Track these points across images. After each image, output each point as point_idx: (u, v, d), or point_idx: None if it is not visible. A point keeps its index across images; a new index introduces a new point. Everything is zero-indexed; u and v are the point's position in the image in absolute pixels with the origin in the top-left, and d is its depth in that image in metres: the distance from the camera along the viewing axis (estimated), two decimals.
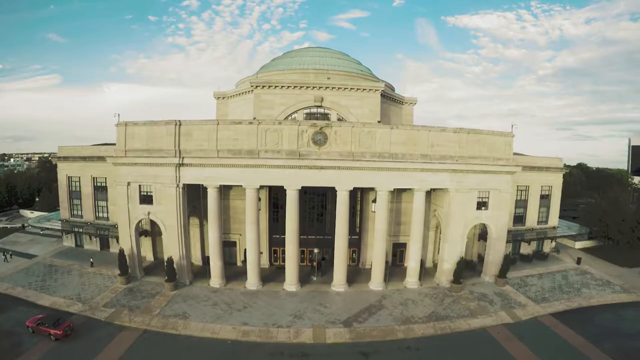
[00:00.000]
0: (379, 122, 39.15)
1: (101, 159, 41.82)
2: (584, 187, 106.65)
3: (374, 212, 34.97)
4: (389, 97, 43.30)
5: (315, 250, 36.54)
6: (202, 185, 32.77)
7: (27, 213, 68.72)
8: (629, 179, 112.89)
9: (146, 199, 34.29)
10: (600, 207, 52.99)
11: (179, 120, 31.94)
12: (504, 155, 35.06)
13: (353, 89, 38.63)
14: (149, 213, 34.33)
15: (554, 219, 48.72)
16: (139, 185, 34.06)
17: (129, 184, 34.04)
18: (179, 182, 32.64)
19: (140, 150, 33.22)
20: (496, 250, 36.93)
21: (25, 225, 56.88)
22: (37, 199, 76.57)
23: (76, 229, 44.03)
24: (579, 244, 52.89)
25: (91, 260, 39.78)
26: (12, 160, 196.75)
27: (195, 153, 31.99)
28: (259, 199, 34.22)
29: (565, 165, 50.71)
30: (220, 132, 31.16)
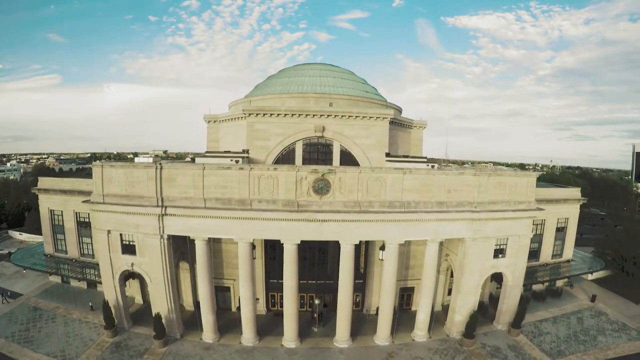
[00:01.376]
0: (387, 154, 34.55)
1: (83, 193, 37.59)
2: (589, 196, 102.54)
3: (382, 260, 30.70)
4: (397, 122, 38.47)
5: (317, 302, 32.37)
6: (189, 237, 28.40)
7: (15, 234, 64.54)
8: (634, 188, 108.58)
9: (129, 248, 30.10)
10: (615, 238, 49.08)
11: (160, 164, 27.43)
12: (526, 198, 30.65)
13: (358, 117, 33.81)
14: (132, 264, 30.17)
15: (568, 252, 44.69)
16: (120, 234, 29.75)
17: (109, 231, 29.74)
18: (163, 232, 28.31)
19: (119, 195, 28.80)
20: (511, 298, 32.97)
21: (12, 252, 52.75)
22: (27, 215, 71.97)
23: (62, 268, 40.01)
24: (592, 274, 48.85)
25: (90, 304, 36.23)
26: (8, 164, 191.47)
27: (180, 201, 27.56)
28: (254, 247, 29.88)
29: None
30: (207, 179, 26.66)
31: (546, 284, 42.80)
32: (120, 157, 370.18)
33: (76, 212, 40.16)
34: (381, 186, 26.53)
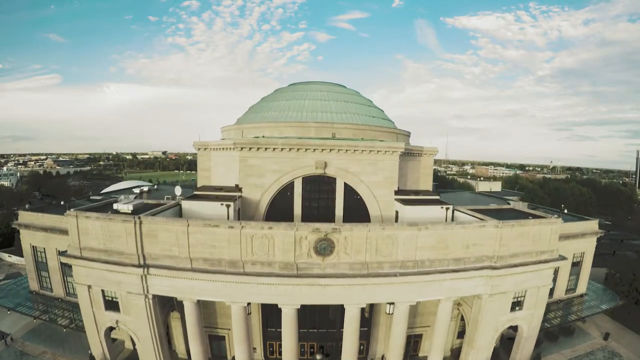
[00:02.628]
0: (396, 191, 31.12)
1: (64, 232, 34.13)
2: (594, 205, 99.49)
3: (389, 313, 27.48)
4: (406, 152, 34.81)
5: (318, 357, 29.18)
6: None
7: (4, 256, 61.08)
8: (638, 196, 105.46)
9: (112, 305, 26.94)
10: (630, 268, 46.09)
11: (139, 217, 23.93)
12: (549, 247, 27.38)
13: (365, 151, 30.23)
14: (117, 322, 27.02)
15: (582, 286, 41.69)
16: (102, 290, 26.48)
17: (89, 287, 26.43)
18: (147, 292, 24.94)
19: (97, 250, 25.44)
20: (526, 348, 30.12)
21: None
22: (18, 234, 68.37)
23: (49, 312, 36.77)
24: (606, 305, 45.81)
25: (90, 352, 33.15)
26: (4, 169, 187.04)
27: (163, 260, 24.18)
28: (248, 303, 26.54)
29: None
30: (192, 236, 23.23)
31: (558, 320, 39.90)
32: (119, 158, 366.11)
33: (59, 251, 36.73)
34: (392, 245, 23.16)
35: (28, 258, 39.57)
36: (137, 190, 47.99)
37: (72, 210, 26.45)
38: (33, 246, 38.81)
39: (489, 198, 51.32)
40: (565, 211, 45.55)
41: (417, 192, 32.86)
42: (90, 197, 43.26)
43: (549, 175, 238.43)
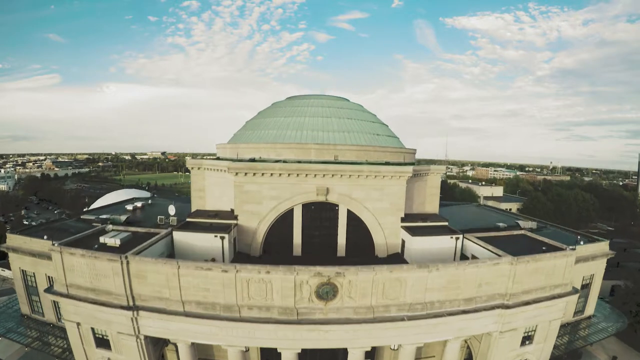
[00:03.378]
0: (402, 218, 29.33)
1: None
2: (597, 210, 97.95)
3: (394, 349, 25.82)
4: (413, 173, 32.97)
5: None
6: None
7: None
8: None
9: (103, 342, 25.28)
10: (637, 284, 44.49)
11: (126, 257, 22.08)
12: (563, 280, 25.73)
13: (370, 176, 28.39)
14: (109, 359, 25.20)
15: (590, 308, 40.06)
16: (92, 328, 24.73)
17: (79, 324, 24.68)
18: (139, 333, 23.16)
19: (84, 288, 23.62)
20: None
21: None
22: None
23: (42, 340, 34.99)
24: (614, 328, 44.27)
25: None
26: (2, 171, 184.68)
27: (154, 302, 22.40)
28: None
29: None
30: (184, 279, 21.43)
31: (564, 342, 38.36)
32: (118, 159, 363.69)
33: (49, 277, 34.93)
34: (400, 287, 21.41)
35: (18, 282, 37.68)
36: (130, 207, 46.16)
37: (56, 245, 24.60)
38: (22, 270, 36.93)
39: (497, 214, 49.46)
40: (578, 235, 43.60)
41: (424, 217, 31.06)
42: (81, 216, 41.28)
43: (549, 177, 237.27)
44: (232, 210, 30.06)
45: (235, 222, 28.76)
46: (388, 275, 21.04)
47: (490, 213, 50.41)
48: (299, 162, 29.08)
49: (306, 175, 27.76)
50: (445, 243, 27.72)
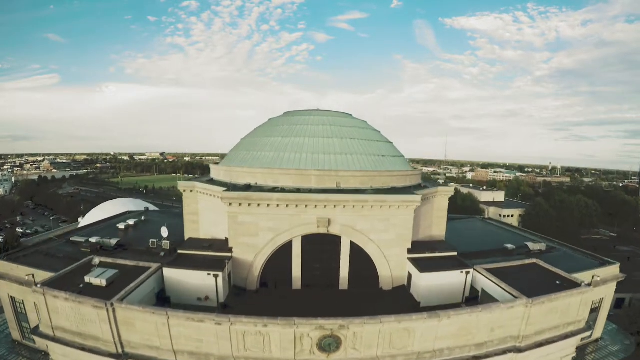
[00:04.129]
0: (409, 249, 27.51)
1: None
2: (599, 216, 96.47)
3: None
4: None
5: None
6: None
7: None
8: None
9: None
10: None
11: (112, 303, 20.19)
12: (577, 317, 24.04)
13: (376, 206, 26.48)
14: None
15: (598, 331, 38.41)
16: None
17: None
18: None
19: (70, 332, 21.80)
20: None
21: None
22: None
23: None
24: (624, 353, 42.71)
25: None
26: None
27: (144, 350, 20.55)
28: None
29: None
30: (174, 329, 19.56)
31: None
32: (116, 160, 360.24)
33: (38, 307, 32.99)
34: (409, 337, 19.60)
35: (7, 308, 35.70)
36: (121, 226, 44.30)
37: (38, 286, 22.74)
38: (11, 297, 35.04)
39: (503, 231, 47.54)
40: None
41: (432, 247, 29.18)
42: (71, 239, 39.33)
43: (549, 179, 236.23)
44: (227, 239, 28.18)
45: (230, 254, 26.85)
46: (396, 326, 19.22)
47: (496, 230, 48.58)
48: (299, 190, 27.10)
49: (306, 206, 25.83)
50: (454, 278, 25.93)
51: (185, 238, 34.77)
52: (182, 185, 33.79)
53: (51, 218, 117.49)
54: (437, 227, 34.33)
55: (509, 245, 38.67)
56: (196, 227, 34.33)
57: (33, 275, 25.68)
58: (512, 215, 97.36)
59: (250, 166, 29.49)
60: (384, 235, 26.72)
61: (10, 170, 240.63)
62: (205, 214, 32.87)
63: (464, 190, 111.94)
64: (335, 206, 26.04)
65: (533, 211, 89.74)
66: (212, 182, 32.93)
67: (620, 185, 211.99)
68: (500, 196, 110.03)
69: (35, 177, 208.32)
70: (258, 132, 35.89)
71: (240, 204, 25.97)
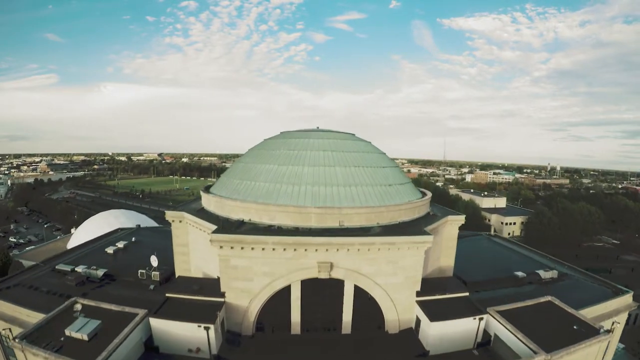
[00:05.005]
0: (418, 292, 25.15)
1: (25, 325, 28.02)
2: (601, 223, 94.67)
3: None
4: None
5: None
6: None
7: None
8: None
9: None
10: None
11: None
12: None
13: (383, 248, 24.07)
14: None
15: (608, 358, 36.23)
16: None
17: None
18: None
19: None
20: None
21: None
22: None
23: None
24: None
25: None
26: None
27: None
28: None
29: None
30: None
31: None
32: (114, 161, 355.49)
33: None
34: None
35: None
36: (110, 251, 41.82)
37: (16, 340, 20.42)
38: None
39: (511, 253, 45.34)
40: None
41: (442, 287, 26.78)
42: (57, 267, 36.77)
43: (548, 181, 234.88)
44: (218, 279, 25.70)
45: (222, 299, 24.39)
46: None
47: (504, 251, 46.32)
48: (297, 229, 24.56)
49: (305, 249, 23.39)
50: (466, 325, 23.63)
51: (176, 270, 32.37)
52: (170, 215, 31.16)
53: (45, 225, 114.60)
54: (446, 257, 31.99)
55: (519, 273, 36.58)
56: (186, 260, 31.83)
57: (10, 330, 23.22)
58: (515, 223, 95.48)
59: (244, 200, 26.83)
60: (391, 279, 24.30)
61: (6, 172, 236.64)
62: (196, 247, 30.33)
63: (465, 196, 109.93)
64: (338, 249, 23.59)
65: (536, 219, 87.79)
66: (202, 212, 30.35)
67: (620, 187, 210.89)
68: (501, 202, 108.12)
69: (32, 180, 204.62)
70: (252, 156, 33.09)
71: (232, 247, 23.47)
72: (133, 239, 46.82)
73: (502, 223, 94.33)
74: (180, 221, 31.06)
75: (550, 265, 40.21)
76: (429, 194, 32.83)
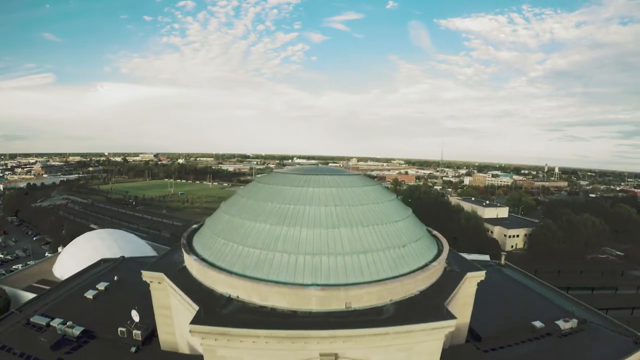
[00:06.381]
0: None
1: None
2: (604, 234, 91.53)
3: None
4: None
5: None
6: None
7: None
8: None
9: None
10: None
11: None
12: None
13: (397, 337, 19.71)
14: None
15: None
16: None
17: None
18: None
19: None
20: None
21: None
22: None
23: None
24: None
25: None
26: None
27: None
28: None
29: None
30: None
31: None
32: (109, 162, 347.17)
33: None
34: None
35: None
36: (90, 296, 37.20)
37: None
38: None
39: (527, 292, 41.14)
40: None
41: None
42: (31, 319, 32.27)
43: (547, 184, 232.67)
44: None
45: None
46: None
47: (517, 288, 42.24)
48: (294, 312, 19.99)
49: (305, 342, 19.06)
50: None
51: (158, 333, 27.94)
52: (147, 276, 26.51)
53: (34, 238, 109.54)
54: (461, 316, 27.73)
55: (537, 323, 32.77)
56: (170, 323, 27.28)
57: None
58: (518, 236, 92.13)
59: (230, 272, 21.97)
60: None
61: (0, 176, 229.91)
62: (178, 312, 25.79)
63: (466, 205, 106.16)
64: (344, 341, 19.20)
65: (540, 232, 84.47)
66: (184, 274, 25.74)
67: (618, 189, 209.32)
68: (503, 212, 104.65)
69: (25, 184, 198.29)
70: (240, 208, 27.46)
71: (216, 339, 19.05)
72: (115, 277, 42.15)
73: (505, 236, 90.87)
74: (159, 282, 26.52)
75: (567, 308, 36.74)
76: (446, 249, 28.27)
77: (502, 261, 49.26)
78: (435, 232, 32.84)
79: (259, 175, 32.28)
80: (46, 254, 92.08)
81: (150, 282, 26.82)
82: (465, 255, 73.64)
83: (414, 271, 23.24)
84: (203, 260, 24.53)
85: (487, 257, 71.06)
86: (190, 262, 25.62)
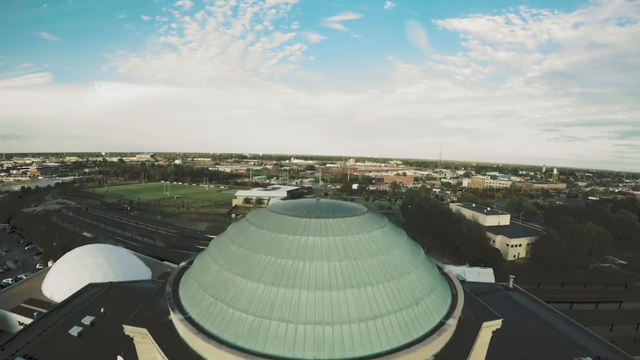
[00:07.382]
0: None
1: None
2: (606, 241, 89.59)
3: None
4: None
5: None
6: None
7: None
8: None
9: None
10: None
11: None
12: None
13: None
14: None
15: None
16: None
17: None
18: None
19: None
20: None
21: None
22: None
23: None
24: None
25: None
26: None
27: None
28: None
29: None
30: None
31: None
32: (105, 163, 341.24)
33: None
34: None
35: None
36: (75, 333, 34.38)
37: None
38: None
39: (537, 322, 38.70)
40: None
41: None
42: (22, 357, 29.45)
43: (546, 186, 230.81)
44: None
45: None
46: None
47: (528, 319, 39.73)
48: None
49: None
50: None
51: None
52: (130, 331, 23.67)
53: (26, 248, 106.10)
54: None
55: None
56: None
57: None
58: (520, 245, 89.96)
59: (219, 343, 18.84)
60: None
61: None
62: None
63: (467, 213, 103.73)
64: None
65: (544, 243, 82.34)
66: (170, 330, 22.86)
67: (617, 191, 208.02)
68: (505, 220, 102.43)
69: (19, 187, 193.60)
70: (230, 257, 24.01)
71: None
72: (102, 309, 39.23)
73: (507, 245, 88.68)
74: (142, 337, 23.63)
75: (581, 343, 34.42)
76: (460, 297, 25.38)
77: (510, 284, 46.71)
78: (446, 270, 30.07)
79: (250, 214, 29.17)
80: (37, 265, 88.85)
81: (134, 335, 23.95)
82: (467, 268, 70.19)
83: (428, 334, 20.43)
84: (190, 319, 21.61)
85: (490, 270, 68.73)
86: (176, 321, 22.67)
